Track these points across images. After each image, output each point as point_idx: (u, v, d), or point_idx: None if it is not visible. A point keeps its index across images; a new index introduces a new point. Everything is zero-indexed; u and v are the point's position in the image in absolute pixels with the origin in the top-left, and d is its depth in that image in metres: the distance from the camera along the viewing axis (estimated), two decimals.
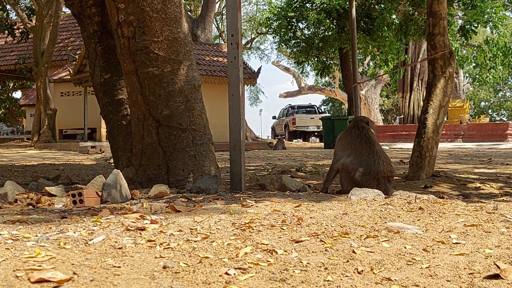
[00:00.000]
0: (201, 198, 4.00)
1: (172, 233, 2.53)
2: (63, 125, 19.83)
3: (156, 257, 2.13)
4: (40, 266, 1.90)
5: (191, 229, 2.63)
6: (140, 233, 2.52)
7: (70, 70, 17.54)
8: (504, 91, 45.73)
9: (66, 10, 21.81)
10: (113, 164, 6.07)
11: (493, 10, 18.44)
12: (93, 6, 5.45)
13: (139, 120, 4.94)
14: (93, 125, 18.64)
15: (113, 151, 5.57)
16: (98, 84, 5.57)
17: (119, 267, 1.98)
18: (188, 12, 27.05)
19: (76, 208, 3.58)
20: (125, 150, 5.29)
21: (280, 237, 2.50)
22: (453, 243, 2.45)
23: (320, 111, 31.73)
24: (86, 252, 2.17)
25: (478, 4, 17.85)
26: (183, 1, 5.47)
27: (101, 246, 2.27)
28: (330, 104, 48.00)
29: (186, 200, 3.85)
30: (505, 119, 44.05)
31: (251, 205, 3.47)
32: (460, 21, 19.66)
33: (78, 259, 2.05)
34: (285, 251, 2.27)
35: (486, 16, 18.06)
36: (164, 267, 1.99)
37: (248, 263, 2.09)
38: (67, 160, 11.16)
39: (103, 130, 17.10)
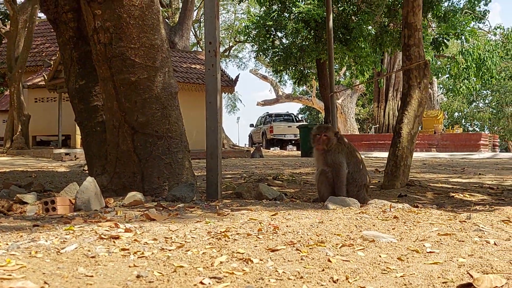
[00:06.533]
0: (177, 206, 3.97)
1: (146, 242, 2.50)
2: (37, 132, 19.53)
3: (129, 266, 2.10)
4: (10, 275, 1.86)
5: (166, 237, 2.61)
6: (114, 242, 2.48)
7: (45, 76, 17.31)
8: (477, 102, 46.57)
9: (41, 16, 21.57)
10: (87, 172, 6.00)
11: (464, 23, 18.81)
12: (69, 11, 5.38)
13: (114, 127, 4.89)
14: (67, 132, 18.40)
15: (87, 158, 5.50)
16: (73, 90, 5.50)
17: (92, 276, 1.95)
18: (166, 19, 26.96)
19: (49, 216, 3.52)
20: (99, 157, 5.22)
21: (256, 246, 2.50)
22: (427, 252, 2.47)
23: (298, 119, 31.89)
24: (58, 261, 2.13)
25: (450, 17, 18.20)
26: (161, 8, 5.46)
27: (74, 254, 2.23)
28: (307, 112, 48.24)
29: (161, 208, 3.82)
30: (478, 130, 44.78)
31: (227, 214, 3.45)
32: (434, 33, 20.00)
33: (50, 268, 2.01)
34: (260, 260, 2.26)
35: (458, 30, 18.41)
36: (138, 276, 1.97)
37: (224, 272, 2.07)
38: (40, 167, 10.99)
39: (78, 137, 16.89)
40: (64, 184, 5.76)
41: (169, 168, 4.82)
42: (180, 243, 2.50)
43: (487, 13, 23.26)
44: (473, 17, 21.22)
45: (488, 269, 2.17)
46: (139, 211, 3.62)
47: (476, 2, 21.20)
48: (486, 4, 22.66)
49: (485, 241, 2.69)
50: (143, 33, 4.72)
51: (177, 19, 26.33)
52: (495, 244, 2.63)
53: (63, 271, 1.98)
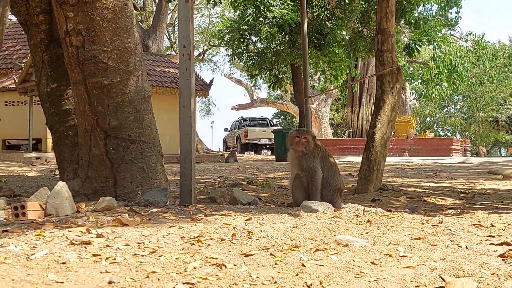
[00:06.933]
0: (150, 211, 3.93)
1: (118, 247, 2.46)
2: (7, 136, 19.18)
3: (101, 272, 2.07)
4: None
5: (138, 243, 2.58)
6: (85, 247, 2.44)
7: (15, 78, 17.01)
8: (449, 107, 47.33)
9: (12, 18, 21.21)
10: (58, 176, 5.90)
11: (436, 29, 19.15)
12: (41, 14, 5.30)
13: (86, 131, 4.82)
14: (38, 136, 18.11)
15: (58, 162, 5.41)
16: (45, 94, 5.42)
17: (62, 282, 1.91)
18: (139, 23, 26.79)
19: (18, 221, 3.45)
20: (71, 162, 5.14)
21: (229, 251, 2.48)
22: (400, 256, 2.49)
23: (272, 123, 31.96)
24: (28, 267, 2.08)
25: (421, 24, 18.52)
26: (135, 12, 5.41)
27: (44, 261, 2.19)
28: (282, 117, 48.38)
29: (134, 213, 3.77)
30: (450, 134, 45.50)
31: (201, 219, 3.43)
32: (406, 39, 20.30)
33: (19, 274, 1.97)
34: (234, 265, 2.25)
35: (431, 36, 18.73)
36: (110, 283, 1.94)
37: (197, 277, 2.05)
38: (10, 172, 10.77)
39: (49, 141, 16.64)
40: (34, 189, 5.65)
41: (142, 173, 4.77)
42: (153, 249, 2.47)
43: (458, 20, 23.72)
44: (445, 23, 21.61)
45: (460, 273, 2.19)
46: (111, 216, 3.57)
47: (447, 8, 21.60)
48: (457, 12, 23.12)
49: (457, 245, 2.73)
50: (116, 36, 4.67)
51: (151, 23, 26.19)
52: (466, 248, 2.67)
53: (33, 278, 1.93)
